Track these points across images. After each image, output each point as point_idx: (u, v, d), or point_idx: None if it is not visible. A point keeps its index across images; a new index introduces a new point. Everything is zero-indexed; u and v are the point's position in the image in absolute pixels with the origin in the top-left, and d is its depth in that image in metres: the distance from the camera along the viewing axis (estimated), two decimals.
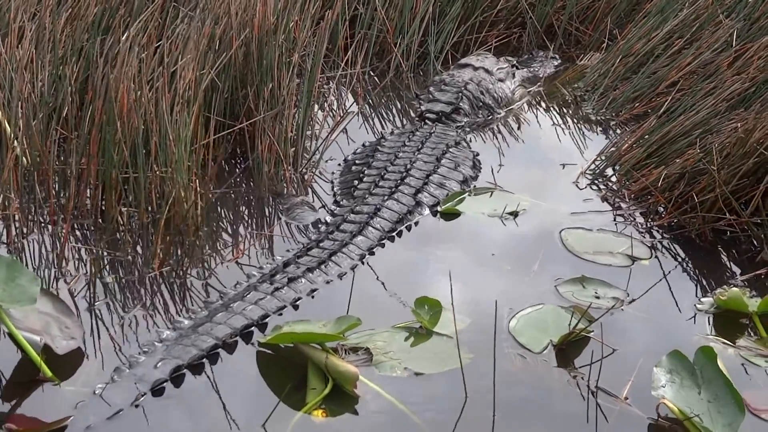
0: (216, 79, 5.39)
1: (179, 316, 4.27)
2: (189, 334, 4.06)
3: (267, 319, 4.24)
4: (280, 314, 4.29)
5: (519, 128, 6.29)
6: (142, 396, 3.77)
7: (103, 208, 4.90)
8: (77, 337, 4.07)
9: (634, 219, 5.28)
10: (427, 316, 4.26)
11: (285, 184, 5.37)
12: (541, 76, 6.85)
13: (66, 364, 3.95)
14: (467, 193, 5.36)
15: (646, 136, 5.68)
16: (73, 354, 4.01)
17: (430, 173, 5.38)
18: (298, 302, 4.39)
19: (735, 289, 4.59)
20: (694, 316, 4.56)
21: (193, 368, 3.95)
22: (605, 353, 4.15)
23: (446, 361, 4.08)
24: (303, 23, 5.79)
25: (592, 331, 4.27)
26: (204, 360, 3.99)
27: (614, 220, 5.28)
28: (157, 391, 3.82)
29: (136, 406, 3.75)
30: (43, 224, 4.85)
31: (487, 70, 6.43)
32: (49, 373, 3.87)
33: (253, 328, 4.19)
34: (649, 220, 5.26)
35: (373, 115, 6.39)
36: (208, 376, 3.95)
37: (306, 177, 5.50)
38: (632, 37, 6.68)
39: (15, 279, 4.02)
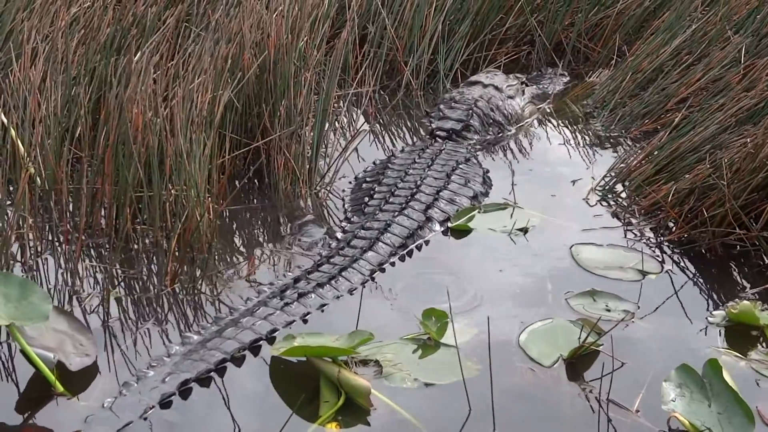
0: (232, 98, 5.42)
1: (191, 331, 4.30)
2: (198, 348, 4.09)
3: (275, 334, 4.27)
4: (289, 329, 4.31)
5: (529, 145, 6.31)
6: (151, 409, 3.80)
7: (117, 226, 4.94)
8: (91, 354, 4.10)
9: (645, 234, 5.29)
10: (435, 327, 4.28)
11: (302, 202, 5.41)
12: (550, 92, 6.88)
13: (79, 380, 3.98)
14: (477, 210, 5.38)
15: (656, 152, 5.69)
16: (86, 370, 4.04)
17: (441, 189, 5.40)
18: (307, 317, 4.41)
19: (746, 302, 4.59)
20: (705, 329, 4.56)
21: (203, 381, 3.97)
22: (615, 367, 4.16)
23: (455, 371, 4.08)
24: (313, 42, 5.83)
25: (602, 344, 4.27)
26: (212, 374, 4.01)
27: (625, 235, 5.28)
28: (165, 404, 3.85)
29: (145, 419, 3.77)
30: (57, 243, 4.89)
31: (496, 88, 6.46)
32: (61, 389, 3.90)
33: (262, 342, 4.21)
34: (660, 235, 5.27)
35: (384, 133, 6.43)
36: (218, 390, 3.98)
37: (320, 195, 5.54)
38: (641, 54, 6.70)
39: (27, 297, 4.07)
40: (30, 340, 4.02)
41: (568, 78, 7.12)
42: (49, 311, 4.05)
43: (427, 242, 5.11)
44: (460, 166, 5.66)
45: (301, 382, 4.04)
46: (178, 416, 3.84)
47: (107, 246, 4.89)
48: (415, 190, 5.33)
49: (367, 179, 5.58)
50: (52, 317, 4.10)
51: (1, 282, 4.10)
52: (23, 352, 3.99)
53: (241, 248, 5.09)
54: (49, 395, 3.90)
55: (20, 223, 4.82)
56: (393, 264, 4.90)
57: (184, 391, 3.92)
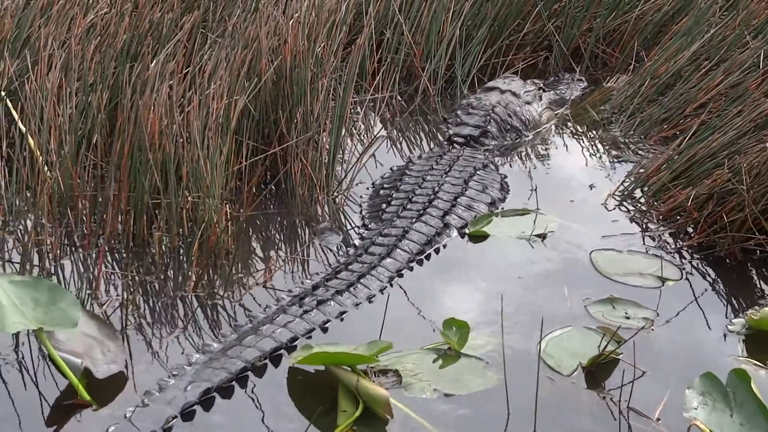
0: (248, 104, 5.42)
1: (211, 339, 4.28)
2: (218, 357, 4.07)
3: (296, 342, 4.25)
4: (309, 337, 4.30)
5: (547, 151, 6.29)
6: (173, 419, 3.79)
7: (135, 232, 4.93)
8: (118, 361, 4.08)
9: (663, 240, 5.26)
10: (455, 337, 4.27)
11: (319, 208, 5.40)
12: (567, 98, 6.85)
13: (104, 388, 3.96)
14: (495, 216, 5.36)
15: (675, 157, 5.66)
16: (111, 378, 4.02)
17: (458, 195, 5.38)
18: (327, 325, 4.40)
19: (767, 309, 4.56)
20: (725, 337, 4.54)
21: (223, 391, 3.96)
22: (635, 375, 4.14)
23: (476, 382, 4.10)
24: (330, 48, 5.82)
25: (622, 353, 4.25)
26: (233, 383, 4.00)
27: (643, 241, 5.26)
28: (186, 414, 3.83)
29: (166, 429, 3.76)
30: (75, 249, 4.88)
31: (514, 93, 6.44)
32: (87, 397, 3.87)
33: (282, 350, 4.20)
34: (678, 240, 5.25)
35: (401, 139, 6.41)
36: (238, 399, 3.96)
37: (337, 201, 5.53)
38: (659, 59, 6.68)
39: (56, 302, 4.04)
40: (58, 344, 4.00)
41: (585, 83, 7.09)
42: (78, 318, 4.03)
43: (444, 245, 5.09)
44: (478, 172, 5.64)
45: (319, 392, 4.03)
46: (198, 426, 3.82)
47: (124, 252, 4.89)
48: (432, 197, 5.31)
49: (385, 185, 5.57)
50: (82, 321, 4.07)
51: (31, 286, 4.08)
52: (51, 358, 3.97)
53: (259, 254, 5.08)
54: (73, 404, 3.88)
55: (38, 229, 4.82)
56: (411, 269, 4.88)
57: (206, 400, 3.91)
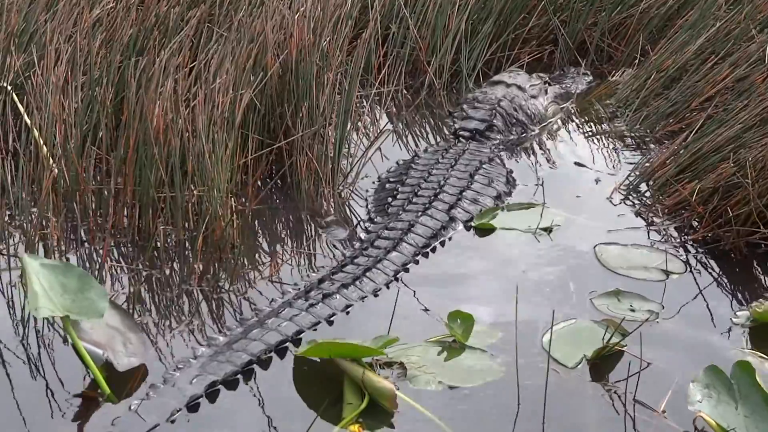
0: (254, 98, 5.43)
1: (217, 332, 4.29)
2: (224, 350, 4.08)
3: (301, 335, 4.26)
4: (315, 330, 4.30)
5: (552, 145, 6.29)
6: (178, 412, 3.80)
7: (140, 226, 4.95)
8: (138, 355, 4.08)
9: (668, 234, 5.26)
10: (460, 329, 4.27)
11: (324, 202, 5.41)
12: (573, 92, 6.85)
13: (114, 380, 3.96)
14: (501, 210, 5.36)
15: (681, 151, 5.66)
16: (132, 371, 4.02)
17: (464, 189, 5.38)
18: (332, 318, 4.40)
19: None
20: (730, 330, 4.54)
21: (229, 384, 3.97)
22: (641, 367, 4.15)
23: (480, 374, 4.11)
24: (336, 42, 5.83)
25: (626, 345, 4.26)
26: (239, 376, 4.01)
27: (648, 235, 5.26)
28: (192, 406, 3.84)
29: (172, 421, 3.77)
30: (81, 243, 4.89)
31: (519, 87, 6.43)
32: (107, 390, 3.87)
33: (288, 344, 4.20)
34: (683, 234, 5.25)
35: (407, 133, 6.41)
36: (244, 392, 3.98)
37: (343, 194, 5.54)
38: (664, 53, 6.67)
39: (85, 291, 4.04)
40: (81, 333, 4.00)
41: (590, 77, 7.08)
42: (105, 309, 4.03)
43: (450, 238, 5.10)
44: (484, 166, 5.64)
45: (325, 384, 4.04)
46: (203, 419, 3.83)
47: (130, 246, 4.90)
48: (438, 191, 5.32)
49: (390, 179, 5.58)
50: (106, 312, 4.07)
51: (62, 272, 4.08)
52: (74, 347, 3.97)
53: (264, 248, 5.09)
54: (89, 395, 3.90)
55: (44, 223, 4.83)
56: (417, 262, 4.89)
57: (212, 393, 3.92)
